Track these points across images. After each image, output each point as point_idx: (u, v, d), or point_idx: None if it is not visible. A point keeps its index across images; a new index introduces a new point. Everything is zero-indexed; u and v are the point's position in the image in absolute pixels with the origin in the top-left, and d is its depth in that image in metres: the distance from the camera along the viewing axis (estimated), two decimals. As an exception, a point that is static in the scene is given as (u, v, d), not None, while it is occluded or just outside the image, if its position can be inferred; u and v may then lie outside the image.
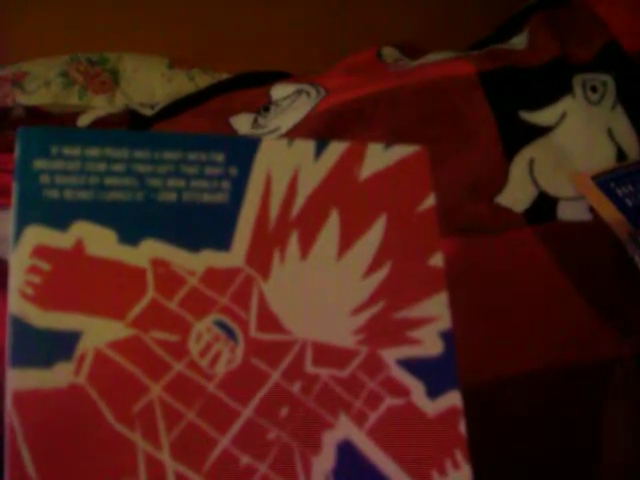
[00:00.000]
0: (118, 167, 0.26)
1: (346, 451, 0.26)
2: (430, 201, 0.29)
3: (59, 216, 0.25)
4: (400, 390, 0.27)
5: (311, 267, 0.27)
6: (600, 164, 0.58)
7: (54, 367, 0.24)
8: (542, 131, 0.61)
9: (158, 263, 0.26)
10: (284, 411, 0.26)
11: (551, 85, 0.64)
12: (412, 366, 0.27)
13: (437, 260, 0.29)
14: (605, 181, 0.56)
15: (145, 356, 0.25)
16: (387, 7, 1.07)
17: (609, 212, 0.53)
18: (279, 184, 0.28)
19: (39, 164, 0.26)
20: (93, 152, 0.26)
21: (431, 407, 0.27)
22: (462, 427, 0.28)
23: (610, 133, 0.60)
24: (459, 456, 0.27)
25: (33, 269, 0.25)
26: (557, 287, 0.50)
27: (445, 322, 0.28)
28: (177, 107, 0.79)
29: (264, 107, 0.74)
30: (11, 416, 0.23)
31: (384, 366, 0.27)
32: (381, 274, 0.28)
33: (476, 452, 0.37)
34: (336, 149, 0.29)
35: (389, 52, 0.83)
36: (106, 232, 0.26)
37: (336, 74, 0.77)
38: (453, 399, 0.28)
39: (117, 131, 0.27)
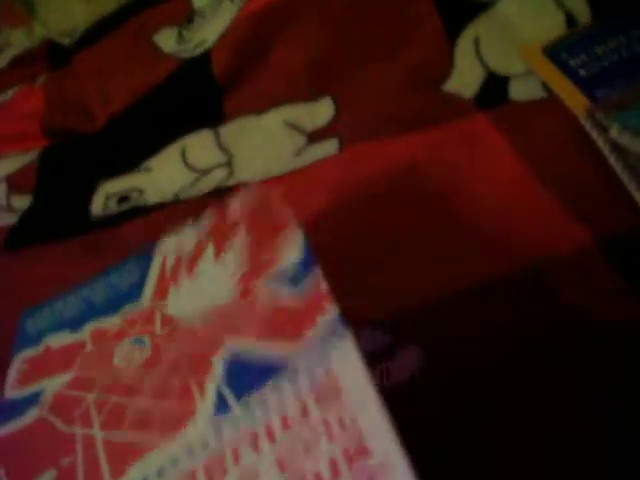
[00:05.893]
0: None
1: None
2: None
3: None
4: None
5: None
6: (549, 33, 0.54)
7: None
8: (484, 6, 0.57)
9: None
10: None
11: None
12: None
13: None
14: (556, 52, 0.52)
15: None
16: None
17: (562, 87, 0.49)
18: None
19: None
20: None
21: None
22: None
23: (557, -3, 0.55)
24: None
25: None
26: (515, 176, 0.47)
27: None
28: (96, 32, 0.74)
29: (187, 19, 0.68)
30: None
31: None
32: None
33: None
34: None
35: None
36: None
37: (260, -30, 0.71)
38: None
39: None
